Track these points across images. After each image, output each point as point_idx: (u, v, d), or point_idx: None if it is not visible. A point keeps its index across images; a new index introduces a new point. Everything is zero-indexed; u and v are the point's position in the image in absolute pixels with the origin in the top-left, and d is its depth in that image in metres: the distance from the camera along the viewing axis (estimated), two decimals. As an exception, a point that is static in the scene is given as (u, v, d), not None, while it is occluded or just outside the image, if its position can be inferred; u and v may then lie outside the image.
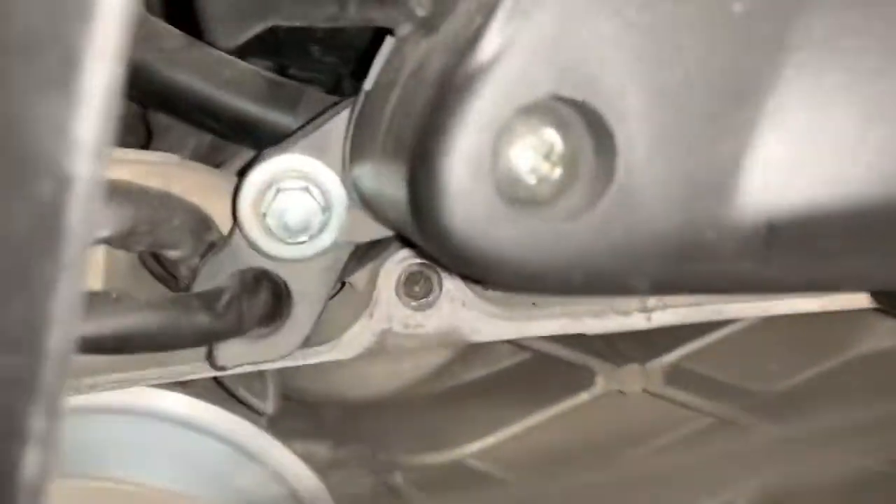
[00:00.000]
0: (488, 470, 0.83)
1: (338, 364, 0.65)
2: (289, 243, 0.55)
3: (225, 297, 0.55)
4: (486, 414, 0.83)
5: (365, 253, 0.61)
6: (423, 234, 0.39)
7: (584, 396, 0.81)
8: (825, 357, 0.86)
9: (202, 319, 0.55)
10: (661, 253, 0.38)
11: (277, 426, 0.69)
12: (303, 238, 0.54)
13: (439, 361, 0.77)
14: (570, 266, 0.38)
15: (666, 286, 0.46)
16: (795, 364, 0.86)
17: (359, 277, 0.63)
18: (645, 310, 0.65)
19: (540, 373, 0.84)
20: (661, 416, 0.82)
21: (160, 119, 0.71)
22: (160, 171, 0.57)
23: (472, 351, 0.83)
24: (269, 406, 0.67)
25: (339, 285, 0.63)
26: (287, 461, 0.68)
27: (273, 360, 0.59)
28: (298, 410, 0.78)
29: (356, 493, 0.78)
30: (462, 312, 0.64)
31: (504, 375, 0.85)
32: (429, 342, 0.64)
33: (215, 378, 0.66)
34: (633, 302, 0.65)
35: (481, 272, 0.42)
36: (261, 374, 0.66)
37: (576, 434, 0.83)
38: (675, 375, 0.83)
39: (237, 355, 0.58)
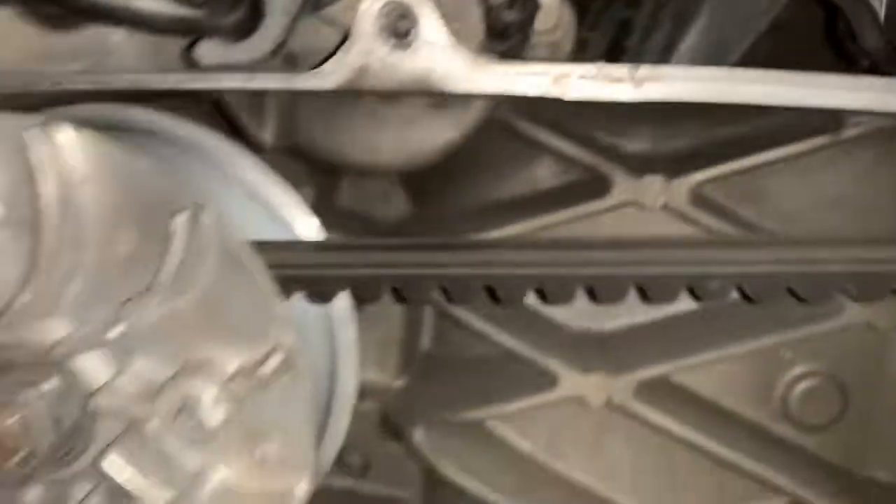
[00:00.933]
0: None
1: (348, 126, 0.67)
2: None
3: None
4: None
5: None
6: None
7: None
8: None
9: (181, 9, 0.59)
10: None
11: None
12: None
13: (448, 136, 0.75)
14: None
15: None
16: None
17: (339, 10, 0.65)
18: (634, 79, 0.61)
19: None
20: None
21: None
22: None
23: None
24: (267, 136, 0.70)
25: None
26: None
27: (248, 62, 0.62)
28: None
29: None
30: (440, 58, 0.63)
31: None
32: (406, 86, 0.64)
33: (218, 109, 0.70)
34: (623, 68, 0.61)
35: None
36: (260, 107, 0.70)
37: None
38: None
39: (215, 54, 0.62)
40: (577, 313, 0.86)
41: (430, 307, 0.91)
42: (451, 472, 0.84)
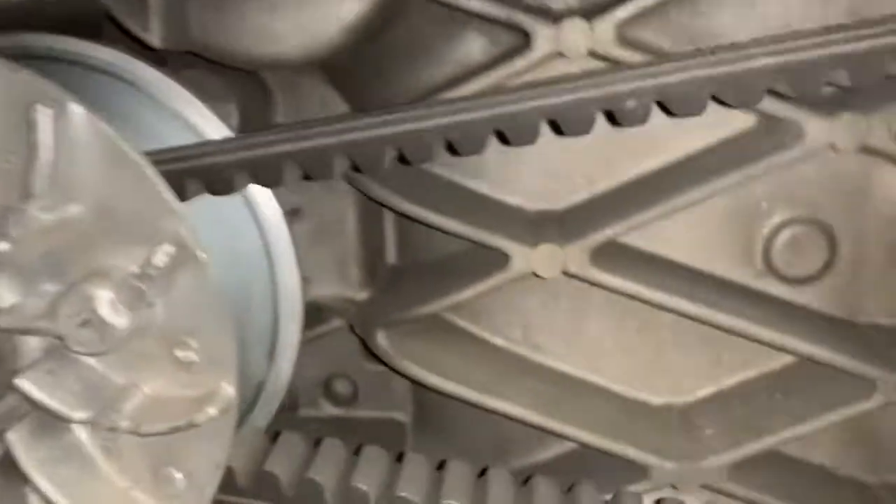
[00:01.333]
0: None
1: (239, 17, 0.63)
2: None
3: None
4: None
5: None
6: None
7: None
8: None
9: None
10: None
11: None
12: None
13: (352, 9, 0.70)
14: None
15: None
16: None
17: None
18: None
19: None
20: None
21: None
22: None
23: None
24: (154, 38, 0.66)
25: None
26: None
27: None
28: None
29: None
30: None
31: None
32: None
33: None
34: None
35: None
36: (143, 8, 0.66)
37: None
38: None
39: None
40: (533, 196, 0.81)
41: (390, 214, 0.88)
42: (419, 372, 0.80)
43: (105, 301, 0.54)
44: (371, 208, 0.88)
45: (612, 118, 0.64)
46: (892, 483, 0.85)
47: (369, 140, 0.61)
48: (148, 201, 0.55)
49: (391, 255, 0.90)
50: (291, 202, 0.78)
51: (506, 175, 0.81)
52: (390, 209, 0.79)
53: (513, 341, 0.85)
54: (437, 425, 0.95)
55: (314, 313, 0.91)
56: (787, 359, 0.83)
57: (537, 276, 0.75)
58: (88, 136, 0.54)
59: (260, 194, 0.70)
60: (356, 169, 0.64)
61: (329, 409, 1.00)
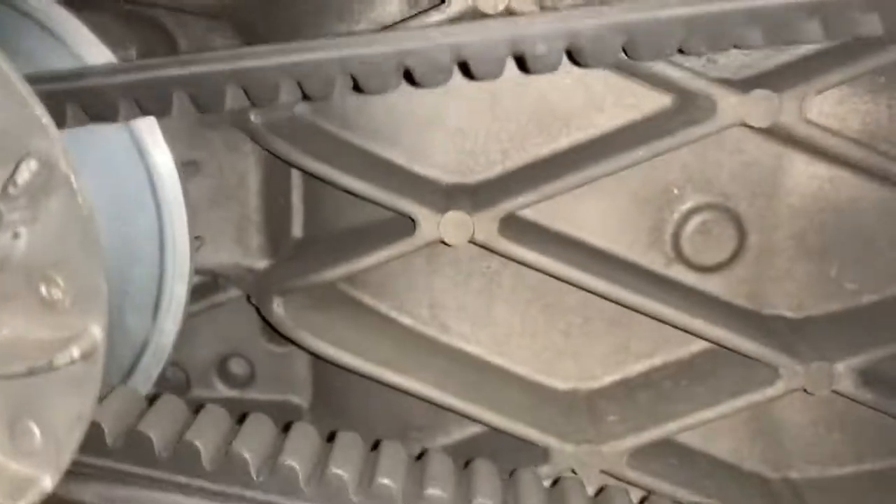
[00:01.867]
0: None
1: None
2: None
3: None
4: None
5: None
6: None
7: None
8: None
9: None
10: None
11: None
12: None
13: None
14: None
15: None
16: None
17: None
18: None
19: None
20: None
21: None
22: None
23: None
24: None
25: None
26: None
27: None
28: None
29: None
30: None
31: None
32: None
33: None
34: None
35: None
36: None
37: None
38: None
39: None
40: (447, 169, 0.79)
41: (298, 184, 0.84)
42: (314, 342, 0.76)
43: (-44, 223, 0.49)
44: (276, 174, 0.84)
45: (522, 64, 0.62)
46: (791, 479, 0.85)
47: (262, 69, 0.57)
48: (15, 116, 0.50)
49: (297, 228, 0.87)
50: (189, 156, 0.73)
51: (421, 147, 0.79)
52: (297, 167, 0.75)
53: (420, 320, 0.82)
54: (336, 409, 0.91)
55: (210, 283, 0.86)
56: (695, 347, 0.82)
57: (444, 243, 0.72)
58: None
59: (152, 140, 0.66)
60: (250, 101, 0.60)
61: (223, 391, 0.95)
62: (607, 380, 0.84)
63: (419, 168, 0.79)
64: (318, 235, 0.85)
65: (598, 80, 0.76)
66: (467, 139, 0.79)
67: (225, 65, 0.55)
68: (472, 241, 0.71)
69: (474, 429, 0.84)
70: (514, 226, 0.73)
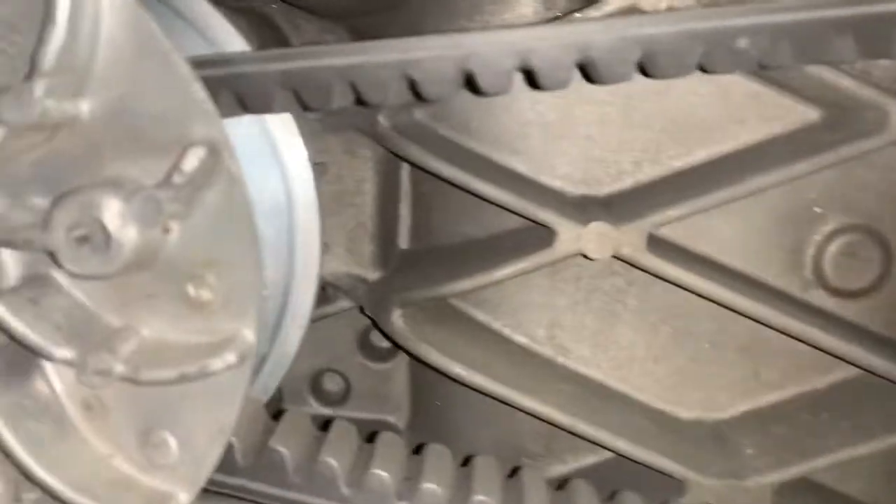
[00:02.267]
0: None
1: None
2: None
3: None
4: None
5: None
6: None
7: None
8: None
9: None
10: None
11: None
12: None
13: None
14: None
15: None
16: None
17: None
18: None
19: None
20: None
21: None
22: None
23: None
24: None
25: None
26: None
27: None
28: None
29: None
30: None
31: None
32: None
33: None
34: None
35: None
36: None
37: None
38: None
39: None
40: (574, 180, 0.75)
41: (407, 194, 0.81)
42: (440, 359, 0.71)
43: (113, 211, 0.45)
44: (390, 182, 0.80)
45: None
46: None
47: (435, 58, 0.53)
48: (176, 102, 0.46)
49: (403, 239, 0.82)
50: (315, 157, 0.70)
51: (546, 155, 0.75)
52: (431, 173, 0.71)
53: (536, 340, 0.77)
54: (436, 430, 0.86)
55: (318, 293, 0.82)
56: (831, 378, 0.76)
57: (585, 256, 0.67)
58: (112, 15, 0.45)
59: (287, 138, 0.62)
60: (416, 96, 0.56)
61: (316, 407, 0.91)
62: (735, 410, 0.79)
63: (544, 178, 0.75)
64: (425, 247, 0.81)
65: (740, 88, 0.72)
66: (596, 147, 0.74)
67: (396, 55, 0.51)
68: (616, 256, 0.67)
69: (592, 458, 0.78)
70: (656, 242, 0.69)
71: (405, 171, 0.80)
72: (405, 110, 0.74)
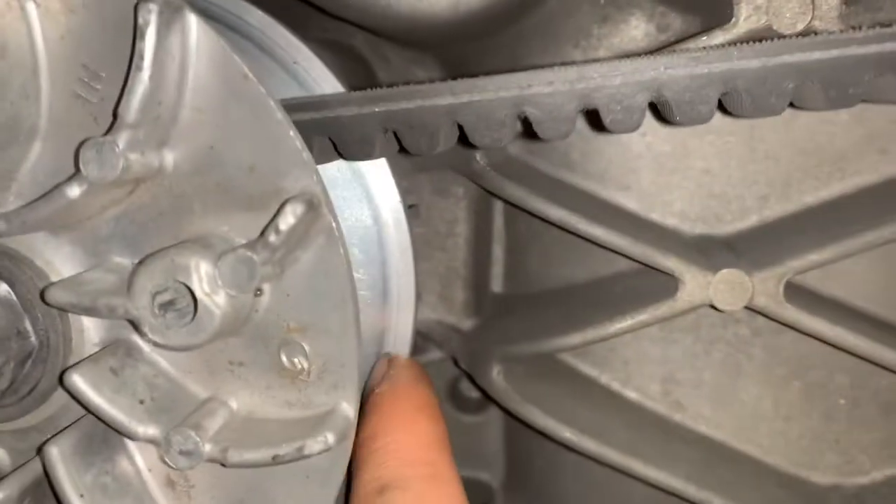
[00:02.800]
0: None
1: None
2: None
3: None
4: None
5: None
6: None
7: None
8: None
9: None
10: None
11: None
12: None
13: None
14: None
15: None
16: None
17: None
18: None
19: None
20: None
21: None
22: None
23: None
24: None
25: None
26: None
27: None
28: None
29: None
30: None
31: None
32: None
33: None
34: None
35: None
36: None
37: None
38: None
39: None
40: (690, 217, 0.67)
41: (500, 236, 0.75)
42: (547, 422, 0.64)
43: (202, 274, 0.40)
44: (482, 221, 0.74)
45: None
46: None
47: (555, 93, 0.47)
48: (270, 151, 0.41)
49: (496, 283, 0.76)
50: (405, 199, 0.64)
51: (658, 191, 0.68)
52: (534, 215, 0.65)
53: (648, 396, 0.70)
54: (534, 492, 0.79)
55: (411, 342, 0.77)
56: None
57: (713, 308, 0.60)
58: (201, 58, 0.41)
59: (379, 181, 0.57)
60: (534, 134, 0.50)
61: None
62: (878, 475, 0.70)
63: (656, 216, 0.68)
64: (522, 292, 0.75)
65: (880, 114, 0.64)
66: (716, 182, 0.67)
67: (507, 92, 0.45)
68: (750, 307, 0.59)
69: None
70: (793, 289, 0.61)
71: (498, 208, 0.74)
72: (499, 148, 0.68)
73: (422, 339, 0.75)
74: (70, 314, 0.46)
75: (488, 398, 0.77)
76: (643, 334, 0.70)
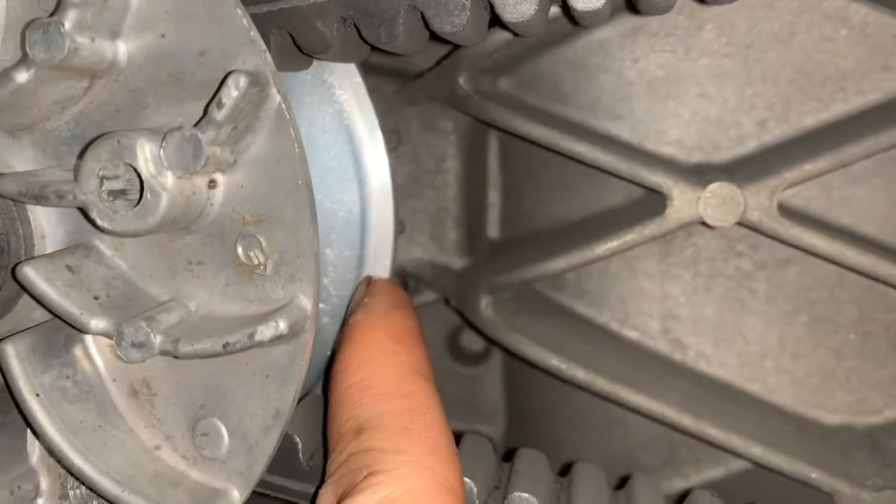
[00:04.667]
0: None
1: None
2: None
3: None
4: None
5: None
6: None
7: None
8: None
9: None
10: None
11: None
12: None
13: None
14: None
15: None
16: None
17: None
18: None
19: None
20: None
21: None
22: None
23: None
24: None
25: None
26: None
27: None
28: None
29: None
30: None
31: None
32: None
33: None
34: None
35: None
36: None
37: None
38: None
39: None
40: (687, 146, 0.65)
41: (496, 181, 0.73)
42: (533, 350, 0.62)
43: (147, 154, 0.39)
44: (475, 162, 0.72)
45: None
46: None
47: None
48: (219, 34, 0.40)
49: (493, 228, 0.74)
50: (388, 125, 0.63)
51: (653, 119, 0.65)
52: (519, 136, 0.63)
53: (648, 335, 0.68)
54: (536, 443, 0.76)
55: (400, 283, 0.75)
56: None
57: (705, 224, 0.57)
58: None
59: (357, 105, 0.55)
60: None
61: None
62: (891, 414, 0.66)
63: (651, 145, 0.66)
64: (517, 236, 0.73)
65: (883, 30, 0.61)
66: (713, 107, 0.65)
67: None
68: (742, 223, 0.57)
69: (718, 471, 0.67)
70: (787, 209, 0.58)
71: (493, 150, 0.73)
72: (487, 78, 0.66)
73: (413, 280, 0.73)
74: (32, 219, 0.45)
75: (486, 339, 0.75)
76: (639, 270, 0.67)
